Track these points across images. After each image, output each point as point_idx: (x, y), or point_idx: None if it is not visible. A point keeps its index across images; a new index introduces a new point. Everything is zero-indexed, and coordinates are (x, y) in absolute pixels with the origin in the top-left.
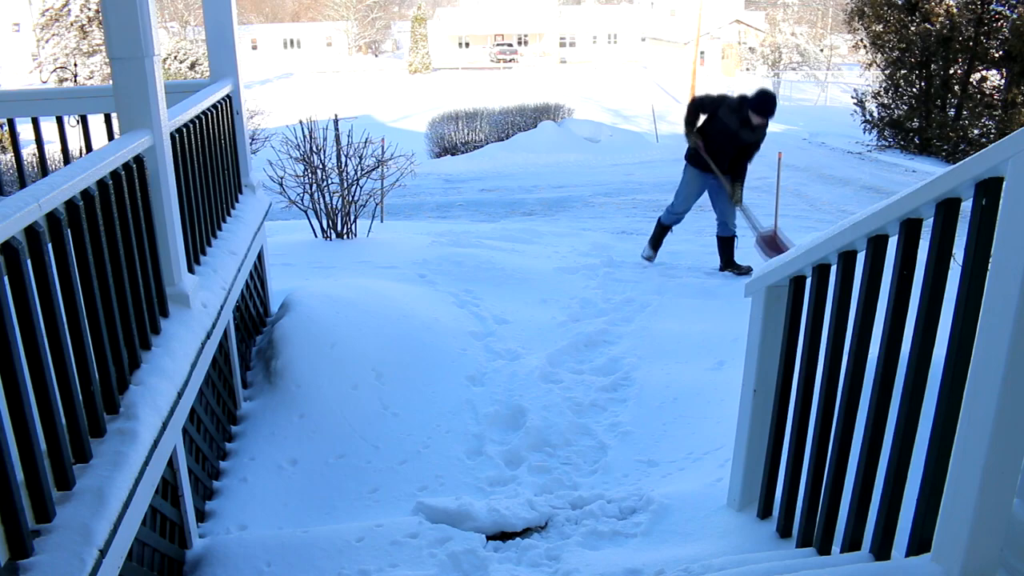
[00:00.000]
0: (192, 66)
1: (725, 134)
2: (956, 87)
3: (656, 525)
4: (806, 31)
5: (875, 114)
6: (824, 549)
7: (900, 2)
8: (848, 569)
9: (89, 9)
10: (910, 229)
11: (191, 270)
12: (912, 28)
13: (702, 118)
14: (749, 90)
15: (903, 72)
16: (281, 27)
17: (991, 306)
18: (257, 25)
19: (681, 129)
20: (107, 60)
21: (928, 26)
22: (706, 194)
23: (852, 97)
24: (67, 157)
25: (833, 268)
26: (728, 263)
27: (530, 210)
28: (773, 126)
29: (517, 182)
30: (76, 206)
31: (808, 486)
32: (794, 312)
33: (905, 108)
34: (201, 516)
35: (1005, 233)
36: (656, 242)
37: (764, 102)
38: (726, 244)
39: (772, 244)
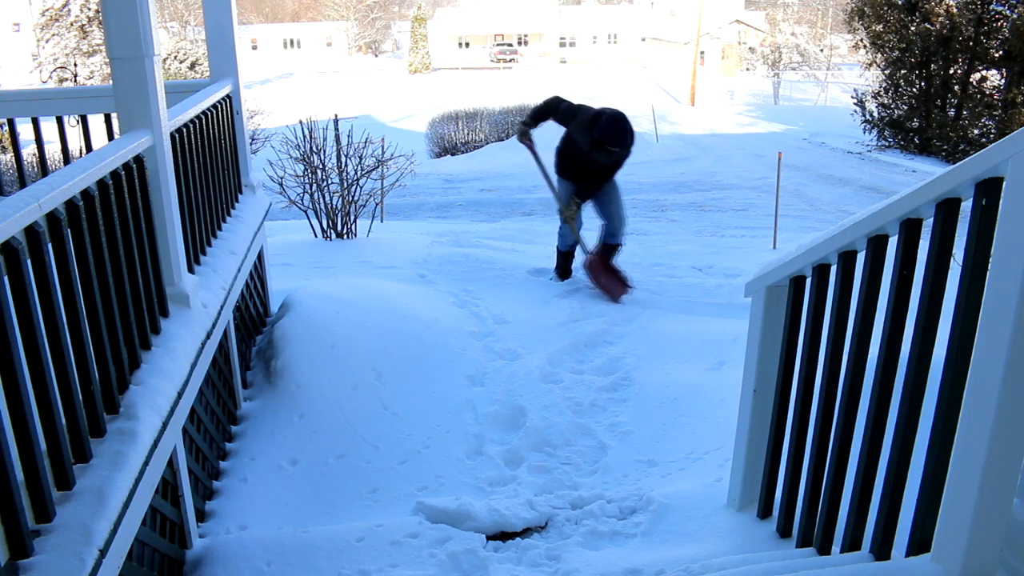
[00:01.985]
0: (192, 66)
1: (578, 151)
2: (956, 87)
3: (656, 525)
4: (806, 31)
5: (875, 114)
6: (824, 549)
7: (900, 2)
8: (848, 569)
9: (89, 9)
10: (910, 229)
11: (191, 270)
12: (912, 28)
13: (553, 124)
14: (608, 108)
15: (903, 72)
16: (281, 27)
17: (991, 306)
18: (257, 25)
19: (681, 129)
20: (107, 60)
21: (928, 26)
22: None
23: (852, 97)
24: (67, 157)
25: (833, 268)
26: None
27: (530, 210)
28: (772, 126)
29: (517, 182)
30: (76, 206)
31: (808, 486)
32: (794, 312)
33: (905, 108)
34: (201, 516)
35: (1005, 233)
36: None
37: (616, 133)
38: (610, 251)
39: (599, 267)
